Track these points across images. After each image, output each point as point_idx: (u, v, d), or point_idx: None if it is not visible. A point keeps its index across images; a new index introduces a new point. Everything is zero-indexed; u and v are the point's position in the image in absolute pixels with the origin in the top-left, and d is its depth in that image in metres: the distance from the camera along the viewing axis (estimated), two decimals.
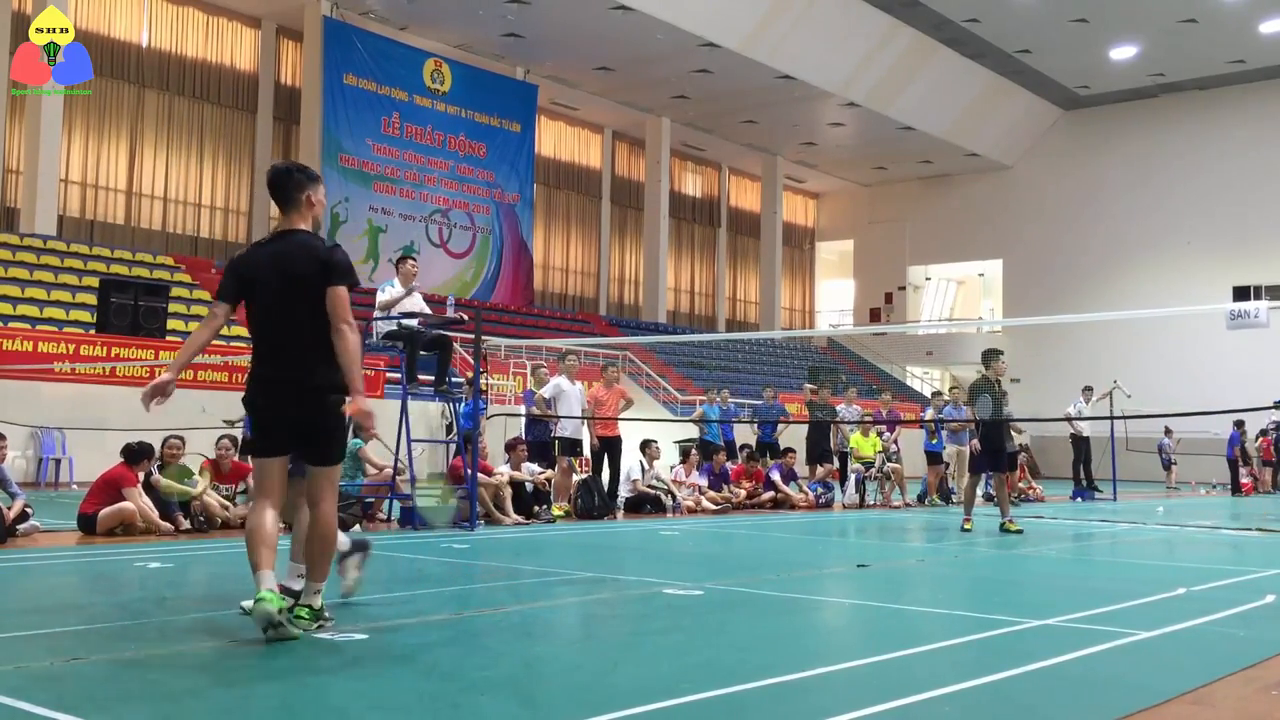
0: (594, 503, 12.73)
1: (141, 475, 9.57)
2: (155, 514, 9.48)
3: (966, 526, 11.61)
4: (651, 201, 37.30)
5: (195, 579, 7.09)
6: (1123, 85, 36.40)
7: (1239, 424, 23.46)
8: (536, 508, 11.95)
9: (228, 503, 10.20)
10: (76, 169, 25.34)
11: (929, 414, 18.27)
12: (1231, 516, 15.49)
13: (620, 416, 14.01)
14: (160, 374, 4.90)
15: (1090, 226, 38.28)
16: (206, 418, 14.46)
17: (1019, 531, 11.32)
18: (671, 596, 6.32)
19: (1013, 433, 12.64)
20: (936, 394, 22.94)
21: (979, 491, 12.76)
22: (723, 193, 41.92)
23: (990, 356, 12.01)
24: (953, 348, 40.65)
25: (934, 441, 17.49)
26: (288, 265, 4.90)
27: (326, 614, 4.93)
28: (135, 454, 9.51)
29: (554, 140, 35.82)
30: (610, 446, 13.84)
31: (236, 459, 10.40)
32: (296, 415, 4.91)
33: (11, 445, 11.86)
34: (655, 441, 14.60)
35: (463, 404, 12.90)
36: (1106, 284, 36.87)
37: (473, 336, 11.50)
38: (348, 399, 4.90)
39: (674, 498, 14.07)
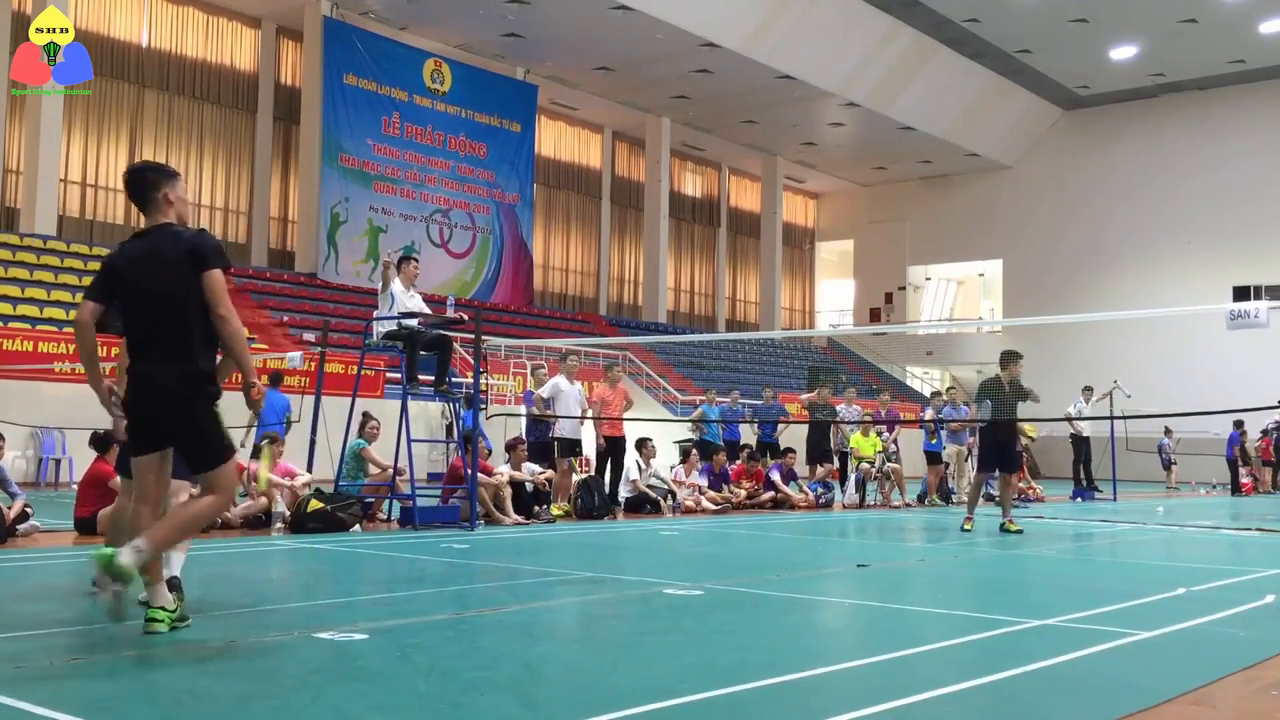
0: (594, 503, 12.73)
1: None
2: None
3: (967, 527, 11.61)
4: (651, 201, 37.31)
5: (194, 579, 7.07)
6: (1123, 85, 36.40)
7: (1239, 424, 23.46)
8: (536, 508, 11.95)
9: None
10: (76, 169, 25.35)
11: (928, 414, 18.29)
12: (1231, 516, 15.49)
13: (624, 416, 14.04)
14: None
15: (1090, 226, 38.28)
16: None
17: (1019, 531, 11.33)
18: (671, 596, 6.32)
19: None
20: (935, 394, 22.96)
21: (981, 492, 12.77)
22: (723, 193, 41.91)
23: (1008, 358, 12.07)
24: (953, 348, 40.67)
25: (934, 441, 17.50)
26: (157, 257, 4.80)
27: (116, 587, 4.52)
28: (103, 441, 9.46)
29: (554, 140, 35.83)
30: (615, 446, 13.88)
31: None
32: (164, 413, 4.76)
33: (11, 445, 11.87)
34: (650, 440, 14.59)
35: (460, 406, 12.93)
36: (1107, 284, 36.87)
37: (473, 336, 11.50)
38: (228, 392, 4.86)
39: (673, 497, 14.07)
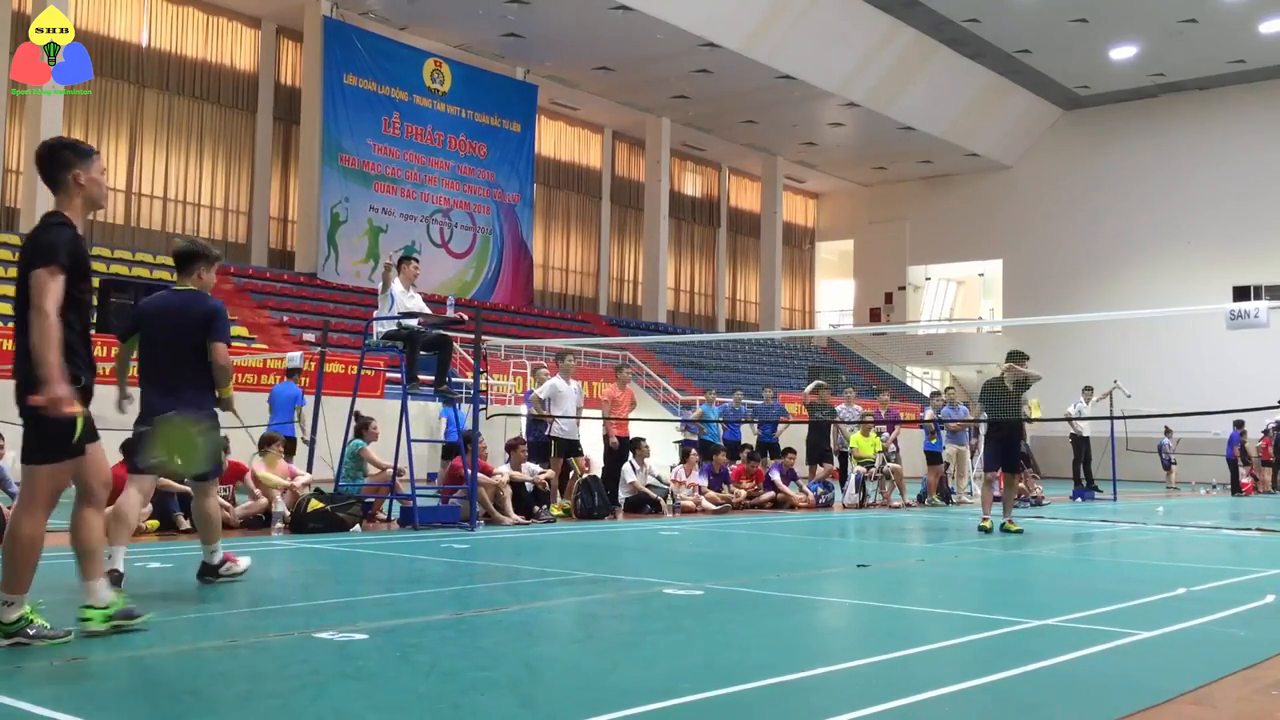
0: (594, 503, 12.73)
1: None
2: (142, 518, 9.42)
3: (985, 525, 11.59)
4: (651, 201, 37.31)
5: (195, 579, 7.08)
6: (1123, 85, 36.41)
7: (1239, 424, 23.46)
8: (536, 508, 11.95)
9: (227, 503, 10.20)
10: None
11: (928, 414, 18.29)
12: (1231, 516, 15.49)
13: (629, 417, 14.07)
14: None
15: (1090, 226, 38.28)
16: None
17: (1019, 531, 11.34)
18: (671, 596, 6.32)
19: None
20: (935, 394, 22.97)
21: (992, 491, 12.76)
22: (723, 193, 41.92)
23: (1011, 358, 12.11)
24: (953, 348, 40.65)
25: (934, 441, 17.51)
26: (22, 253, 4.61)
27: (30, 630, 4.46)
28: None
29: (554, 140, 35.83)
30: (624, 445, 13.92)
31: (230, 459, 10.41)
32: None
33: (11, 445, 11.85)
34: (644, 440, 14.59)
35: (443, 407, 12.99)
36: (1106, 284, 36.87)
37: (473, 336, 11.50)
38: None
39: (673, 498, 14.05)
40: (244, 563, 6.68)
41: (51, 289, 4.39)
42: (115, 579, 5.84)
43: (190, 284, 6.42)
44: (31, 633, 4.46)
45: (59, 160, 4.66)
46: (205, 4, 27.49)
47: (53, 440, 4.52)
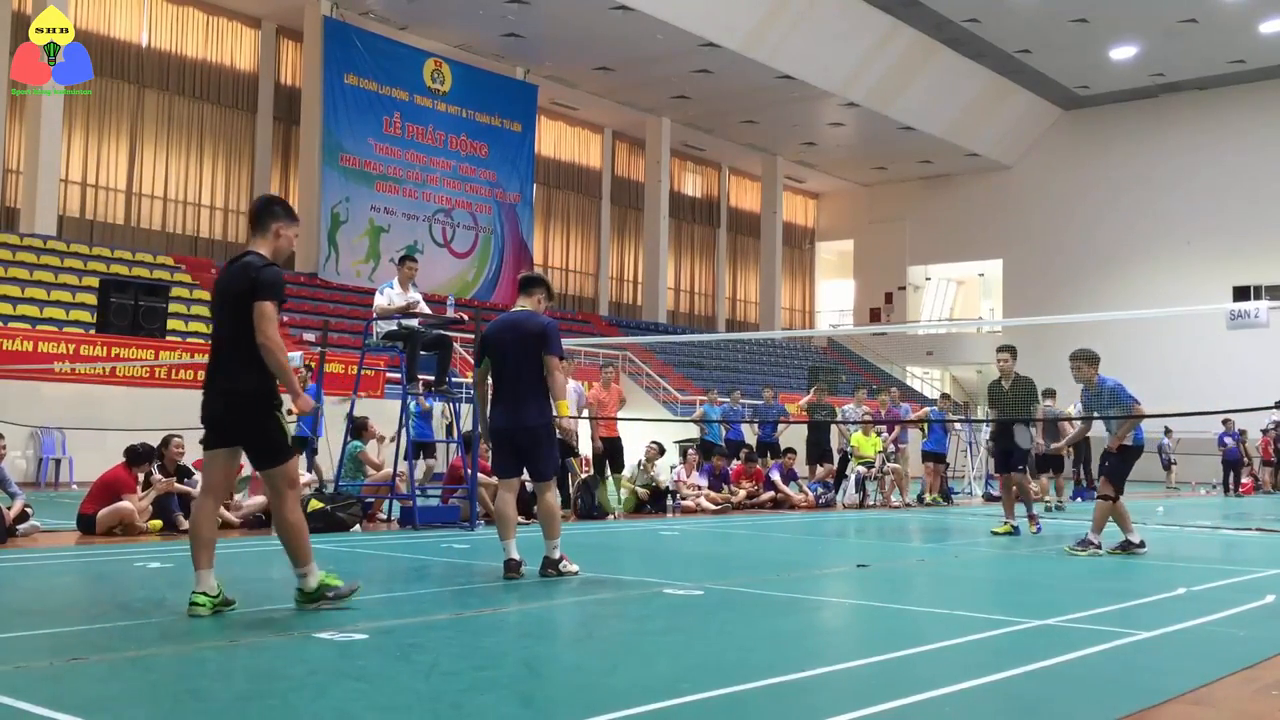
0: (594, 503, 12.72)
1: (142, 477, 9.57)
2: (144, 518, 9.46)
3: (1032, 529, 11.49)
4: (651, 201, 37.30)
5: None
6: (1123, 85, 36.40)
7: (1226, 423, 23.38)
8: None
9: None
10: (76, 169, 25.34)
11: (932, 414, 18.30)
12: (1232, 517, 15.48)
13: (619, 416, 14.02)
14: None
15: (1090, 227, 38.28)
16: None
17: (1008, 533, 11.22)
18: (671, 596, 6.32)
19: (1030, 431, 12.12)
20: (945, 395, 22.93)
21: (984, 492, 12.75)
22: (723, 193, 41.91)
23: (997, 353, 12.01)
24: (953, 348, 40.64)
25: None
26: (232, 283, 5.41)
27: (329, 594, 5.48)
28: (138, 456, 9.48)
29: (554, 140, 35.83)
30: (611, 447, 13.84)
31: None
32: None
33: (11, 445, 11.86)
34: (653, 443, 14.54)
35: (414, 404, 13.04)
36: (1106, 284, 36.86)
37: (473, 336, 11.50)
38: None
39: (673, 497, 14.04)
40: (575, 567, 7.12)
41: (276, 320, 5.25)
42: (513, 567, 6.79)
43: (529, 305, 7.06)
44: (330, 595, 5.41)
45: (270, 213, 5.50)
46: (205, 4, 27.49)
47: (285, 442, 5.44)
